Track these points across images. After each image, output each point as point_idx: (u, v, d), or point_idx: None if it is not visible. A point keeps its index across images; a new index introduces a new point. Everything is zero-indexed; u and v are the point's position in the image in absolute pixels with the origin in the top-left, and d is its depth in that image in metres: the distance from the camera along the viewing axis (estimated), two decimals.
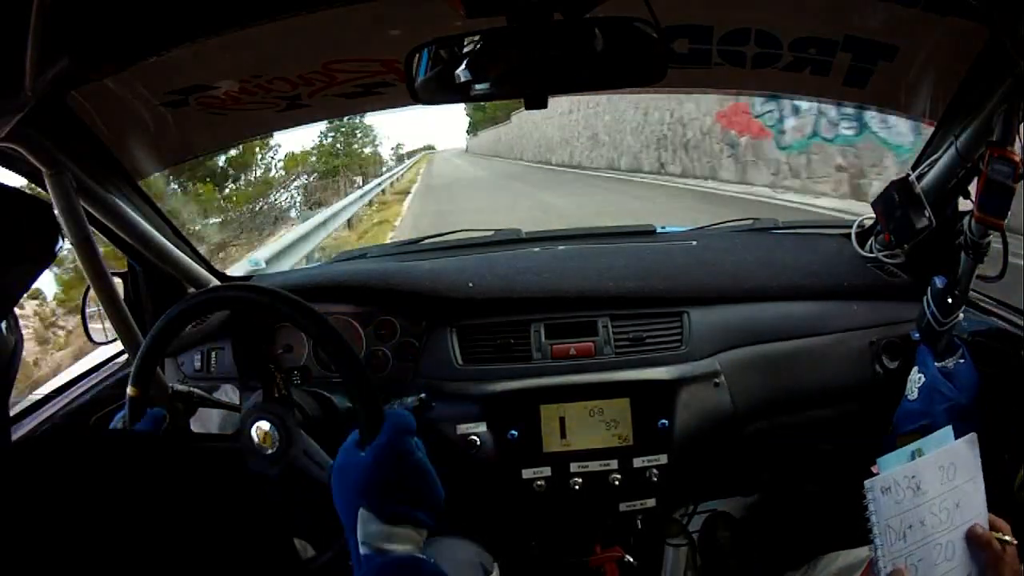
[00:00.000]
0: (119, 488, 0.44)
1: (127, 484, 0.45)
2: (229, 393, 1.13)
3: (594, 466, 1.02)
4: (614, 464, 1.02)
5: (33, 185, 0.91)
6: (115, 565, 0.40)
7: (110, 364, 1.20)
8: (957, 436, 0.71)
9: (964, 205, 1.04)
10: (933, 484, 0.68)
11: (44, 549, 0.38)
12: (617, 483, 1.02)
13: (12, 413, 1.06)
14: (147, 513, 0.45)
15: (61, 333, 6.58)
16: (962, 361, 0.98)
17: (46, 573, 0.38)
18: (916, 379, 1.01)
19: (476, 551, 1.01)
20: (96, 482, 0.43)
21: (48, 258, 0.52)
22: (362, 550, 0.60)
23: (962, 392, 0.96)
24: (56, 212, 0.91)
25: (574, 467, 1.03)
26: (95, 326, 1.13)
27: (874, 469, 0.69)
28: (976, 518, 0.70)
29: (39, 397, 1.10)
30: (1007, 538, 0.69)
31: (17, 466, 0.43)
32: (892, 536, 0.67)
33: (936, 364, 0.99)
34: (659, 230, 1.46)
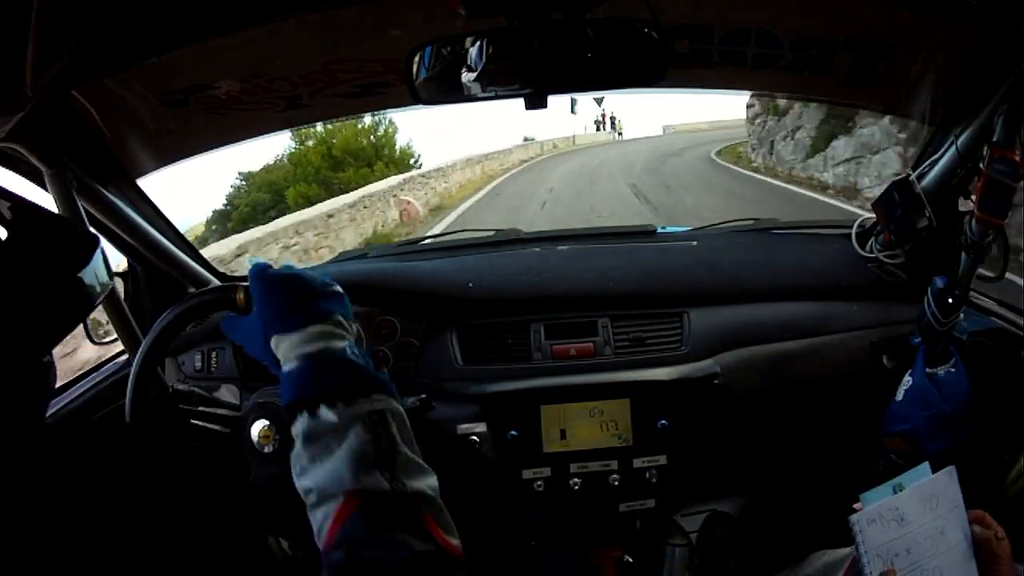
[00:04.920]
0: (109, 480, 0.45)
1: (119, 477, 0.46)
2: (229, 394, 1.13)
3: (594, 466, 1.02)
4: (614, 464, 1.02)
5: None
6: (100, 552, 0.41)
7: (110, 364, 1.20)
8: (938, 445, 0.73)
9: (964, 205, 1.04)
10: (917, 515, 0.72)
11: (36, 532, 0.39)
12: (617, 483, 1.02)
13: None
14: (137, 505, 0.45)
15: None
16: (953, 370, 0.98)
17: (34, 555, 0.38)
18: (905, 382, 1.02)
19: None
20: (90, 473, 0.44)
21: (72, 259, 0.52)
22: (286, 368, 0.59)
23: (948, 401, 0.96)
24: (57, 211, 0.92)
25: (574, 467, 1.03)
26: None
27: (857, 506, 0.73)
28: (961, 542, 0.73)
29: None
30: (999, 536, 0.72)
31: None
32: (880, 564, 0.71)
33: (927, 370, 0.99)
34: (659, 230, 1.46)
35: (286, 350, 0.60)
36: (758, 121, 13.77)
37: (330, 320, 0.61)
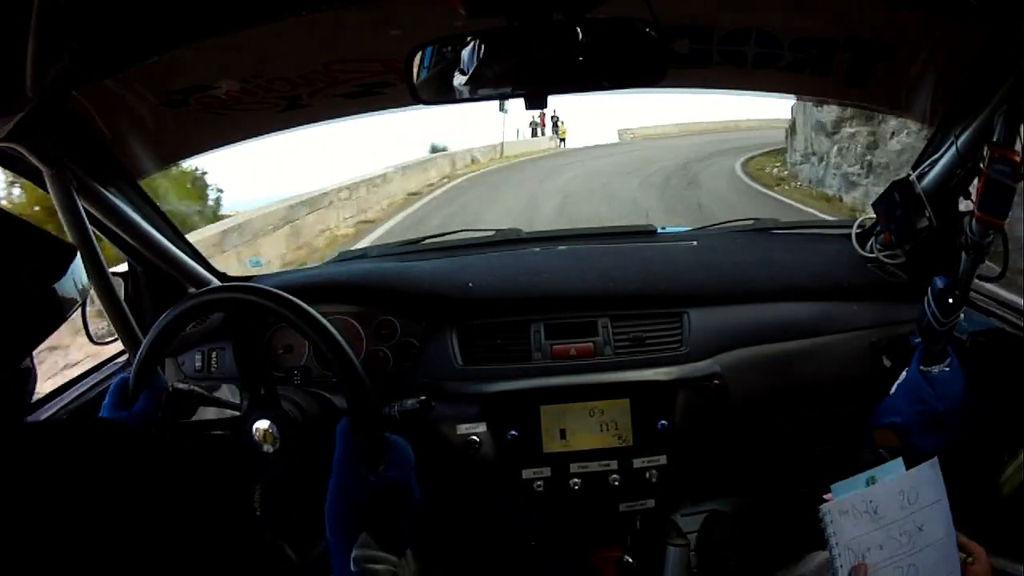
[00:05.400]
0: (108, 480, 0.45)
1: (118, 477, 0.46)
2: (229, 393, 1.13)
3: (594, 467, 1.02)
4: (614, 465, 1.02)
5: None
6: (98, 549, 0.41)
7: (110, 364, 1.20)
8: (930, 442, 0.73)
9: (964, 205, 1.04)
10: (891, 508, 0.70)
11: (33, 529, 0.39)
12: (616, 483, 1.02)
13: None
14: (135, 505, 0.45)
15: None
16: (947, 369, 0.98)
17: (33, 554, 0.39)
18: (901, 377, 1.02)
19: None
20: (86, 470, 0.44)
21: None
22: (353, 567, 0.65)
23: (940, 400, 0.96)
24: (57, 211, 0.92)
25: (574, 467, 1.03)
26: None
27: (828, 496, 0.71)
28: (942, 539, 0.71)
29: (39, 396, 1.10)
30: (969, 561, 0.71)
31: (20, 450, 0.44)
32: (851, 557, 0.69)
33: (921, 368, 0.99)
34: (660, 231, 1.46)
35: (365, 557, 0.66)
36: (845, 132, 7.92)
37: (401, 557, 0.69)
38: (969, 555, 0.71)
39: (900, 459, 0.74)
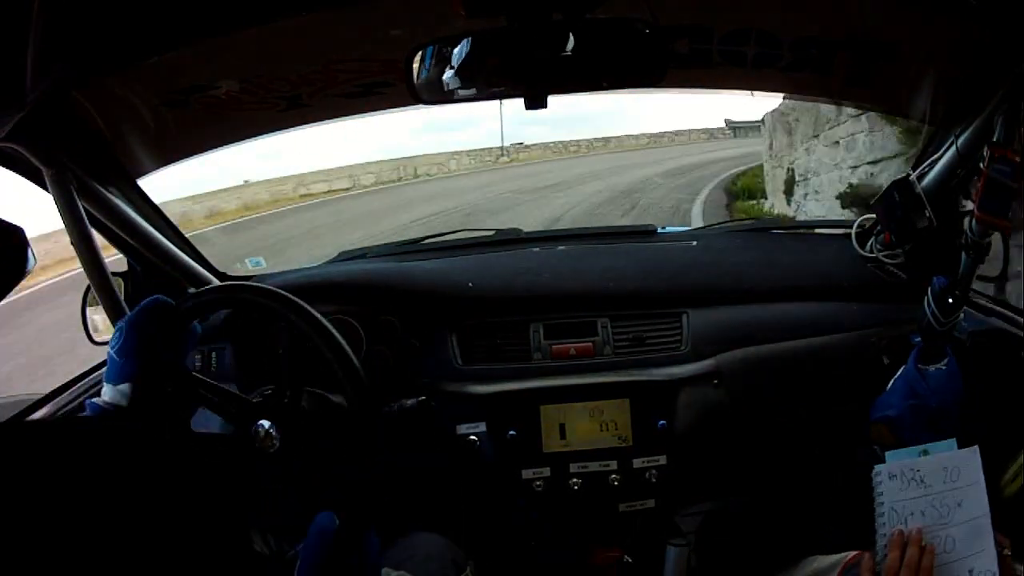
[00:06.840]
0: (106, 476, 0.45)
1: (114, 473, 0.46)
2: None
3: (593, 466, 1.02)
4: (613, 464, 1.02)
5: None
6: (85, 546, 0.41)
7: None
8: (924, 441, 0.79)
9: (964, 205, 1.04)
10: (936, 481, 0.75)
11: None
12: (616, 483, 1.02)
13: (12, 412, 1.06)
14: (133, 502, 0.45)
15: None
16: (943, 368, 0.98)
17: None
18: (898, 373, 1.02)
19: (449, 546, 0.99)
20: (83, 469, 0.44)
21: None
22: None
23: (934, 396, 0.96)
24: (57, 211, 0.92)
25: (573, 467, 1.03)
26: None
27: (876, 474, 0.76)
28: (978, 518, 0.74)
29: (39, 396, 1.10)
30: (1005, 552, 0.74)
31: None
32: (895, 519, 0.74)
33: (918, 365, 0.99)
34: (659, 230, 1.46)
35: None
36: None
37: None
38: (1004, 548, 0.74)
39: (954, 440, 0.77)
